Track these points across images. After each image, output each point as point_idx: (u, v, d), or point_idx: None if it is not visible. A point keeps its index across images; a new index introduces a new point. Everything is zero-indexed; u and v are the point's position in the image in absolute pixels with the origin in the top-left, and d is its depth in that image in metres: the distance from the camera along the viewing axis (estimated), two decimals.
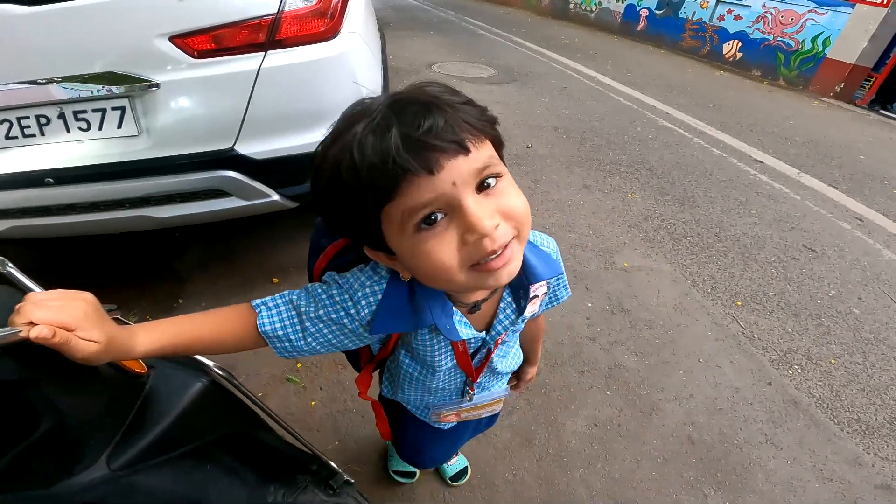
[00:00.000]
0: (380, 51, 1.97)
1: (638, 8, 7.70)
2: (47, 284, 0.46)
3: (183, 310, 1.72)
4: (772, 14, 5.72)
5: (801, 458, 1.43)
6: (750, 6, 5.96)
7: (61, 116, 1.26)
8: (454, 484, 1.27)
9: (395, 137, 0.42)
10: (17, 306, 0.39)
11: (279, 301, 0.59)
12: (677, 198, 2.84)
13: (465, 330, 0.62)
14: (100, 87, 1.22)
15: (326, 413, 1.44)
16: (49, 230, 1.46)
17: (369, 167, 0.43)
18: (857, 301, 2.11)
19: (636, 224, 2.54)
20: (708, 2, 6.49)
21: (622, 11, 8.05)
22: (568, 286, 0.76)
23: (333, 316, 0.58)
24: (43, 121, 1.26)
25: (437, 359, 0.68)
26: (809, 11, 5.31)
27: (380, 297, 0.58)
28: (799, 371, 1.73)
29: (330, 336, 0.60)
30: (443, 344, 0.66)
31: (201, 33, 1.24)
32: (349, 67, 1.43)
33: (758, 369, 1.71)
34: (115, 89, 1.23)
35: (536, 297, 0.67)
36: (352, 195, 0.46)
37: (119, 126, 1.29)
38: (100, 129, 1.29)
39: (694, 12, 6.74)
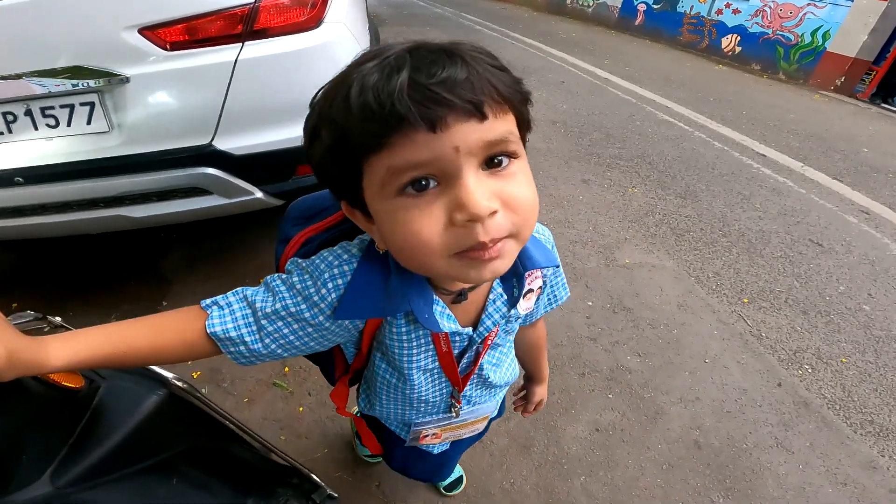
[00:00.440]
0: (369, 43, 1.91)
1: (635, 2, 7.64)
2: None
3: None
4: (770, 8, 5.68)
5: (814, 462, 1.37)
6: (748, 0, 5.91)
7: (28, 113, 1.21)
8: (448, 494, 1.22)
9: (403, 81, 0.35)
10: None
11: (232, 299, 0.52)
12: (679, 192, 2.78)
13: (448, 323, 0.54)
14: (67, 81, 1.16)
15: (315, 419, 1.39)
16: (22, 231, 1.40)
17: (362, 106, 0.36)
18: (866, 297, 2.04)
19: (637, 219, 2.48)
20: None
21: (619, 6, 8.00)
22: (567, 286, 0.70)
23: (292, 309, 0.51)
24: (10, 118, 1.21)
25: (413, 358, 0.60)
26: (808, 5, 5.28)
27: (349, 277, 0.50)
28: (809, 371, 1.67)
29: (290, 336, 0.52)
30: (422, 340, 0.58)
31: (173, 24, 1.19)
32: (333, 58, 1.37)
33: (766, 369, 1.65)
34: (82, 84, 1.17)
35: (531, 290, 0.59)
36: (336, 136, 0.39)
37: (88, 122, 1.23)
38: (69, 125, 1.23)
39: (692, 6, 6.69)
